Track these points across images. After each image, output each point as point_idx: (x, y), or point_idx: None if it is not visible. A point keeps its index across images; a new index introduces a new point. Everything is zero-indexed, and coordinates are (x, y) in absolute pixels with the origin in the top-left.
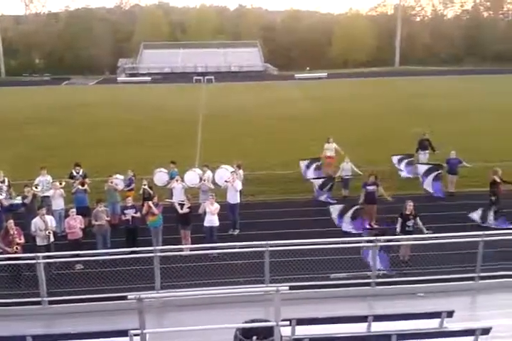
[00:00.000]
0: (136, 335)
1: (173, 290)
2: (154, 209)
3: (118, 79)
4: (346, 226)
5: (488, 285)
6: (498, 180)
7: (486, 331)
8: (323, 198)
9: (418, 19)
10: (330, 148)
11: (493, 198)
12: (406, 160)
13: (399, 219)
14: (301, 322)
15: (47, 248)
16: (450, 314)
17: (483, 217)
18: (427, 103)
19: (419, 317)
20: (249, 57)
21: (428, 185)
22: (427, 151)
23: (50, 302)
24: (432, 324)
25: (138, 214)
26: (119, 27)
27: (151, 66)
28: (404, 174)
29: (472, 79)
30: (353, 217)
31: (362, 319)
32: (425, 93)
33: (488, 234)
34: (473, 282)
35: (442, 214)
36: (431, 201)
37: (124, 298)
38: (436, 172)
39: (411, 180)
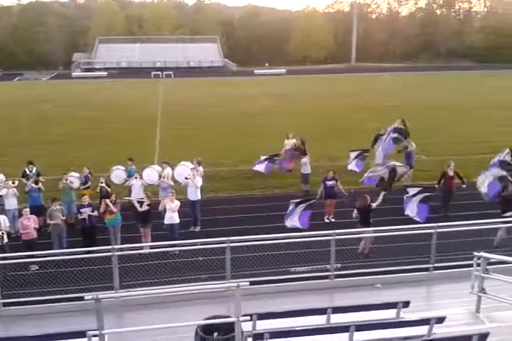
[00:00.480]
0: (94, 336)
1: (133, 290)
2: (112, 208)
3: (73, 74)
4: (291, 222)
5: (442, 276)
6: (451, 173)
7: (440, 320)
8: (261, 168)
9: (374, 16)
10: (290, 144)
11: (436, 186)
12: (361, 156)
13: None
14: (262, 316)
15: (1, 249)
16: (406, 304)
17: (415, 195)
18: (381, 99)
19: (377, 307)
20: (208, 52)
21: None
22: None
23: (5, 305)
24: (388, 314)
25: (95, 213)
26: (73, 21)
27: (107, 61)
28: (351, 167)
29: (426, 76)
30: (306, 209)
31: (321, 311)
32: (380, 89)
33: (441, 225)
34: (428, 272)
35: (397, 207)
36: (386, 194)
37: (82, 298)
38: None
39: (362, 175)
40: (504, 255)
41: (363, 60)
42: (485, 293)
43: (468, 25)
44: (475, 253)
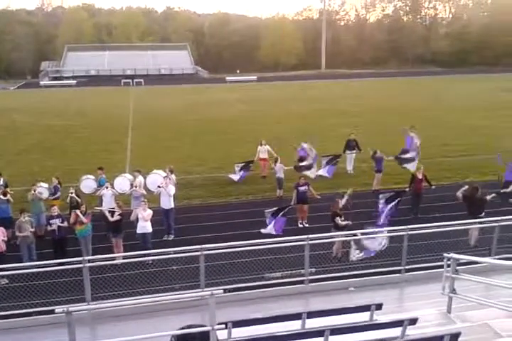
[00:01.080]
0: None
1: (105, 301)
2: (82, 218)
3: (41, 83)
4: (266, 228)
5: (413, 277)
6: (420, 176)
7: (413, 321)
8: (236, 178)
9: (342, 23)
10: (263, 150)
11: (406, 189)
12: (333, 161)
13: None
14: (237, 324)
15: None
16: (379, 306)
17: (388, 201)
18: (351, 105)
19: (350, 311)
20: (179, 59)
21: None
22: (354, 151)
23: None
24: (362, 317)
25: (65, 224)
26: (41, 29)
27: (75, 69)
28: (321, 172)
29: (394, 82)
30: (283, 215)
31: (296, 316)
32: (350, 95)
33: (412, 227)
34: (400, 275)
35: (369, 211)
36: (357, 198)
37: (53, 311)
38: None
39: (333, 180)
40: (473, 255)
41: (333, 66)
42: (455, 293)
43: (434, 32)
44: (445, 255)
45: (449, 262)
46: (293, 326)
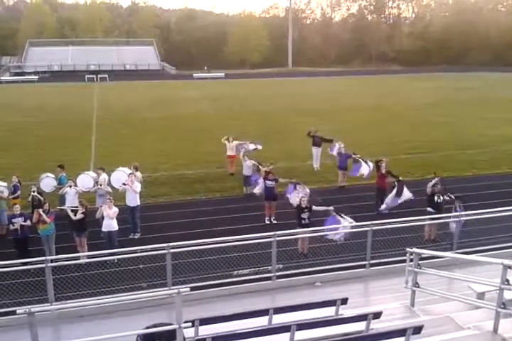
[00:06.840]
0: None
1: (69, 301)
2: (45, 217)
3: (1, 78)
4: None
5: (377, 272)
6: (383, 171)
7: (377, 315)
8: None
9: (308, 22)
10: (230, 147)
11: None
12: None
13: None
14: (204, 321)
15: None
16: (344, 301)
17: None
18: (316, 102)
19: (316, 306)
20: (145, 55)
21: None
22: (319, 147)
23: None
24: (328, 312)
25: (28, 223)
26: (2, 24)
27: (38, 64)
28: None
29: (357, 80)
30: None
31: (263, 313)
32: (315, 93)
33: (375, 223)
34: (365, 269)
35: (336, 207)
36: (324, 195)
37: (15, 312)
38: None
39: (300, 178)
40: (435, 250)
41: (299, 64)
42: (418, 287)
43: (397, 31)
44: (408, 249)
45: (411, 256)
46: (260, 322)
